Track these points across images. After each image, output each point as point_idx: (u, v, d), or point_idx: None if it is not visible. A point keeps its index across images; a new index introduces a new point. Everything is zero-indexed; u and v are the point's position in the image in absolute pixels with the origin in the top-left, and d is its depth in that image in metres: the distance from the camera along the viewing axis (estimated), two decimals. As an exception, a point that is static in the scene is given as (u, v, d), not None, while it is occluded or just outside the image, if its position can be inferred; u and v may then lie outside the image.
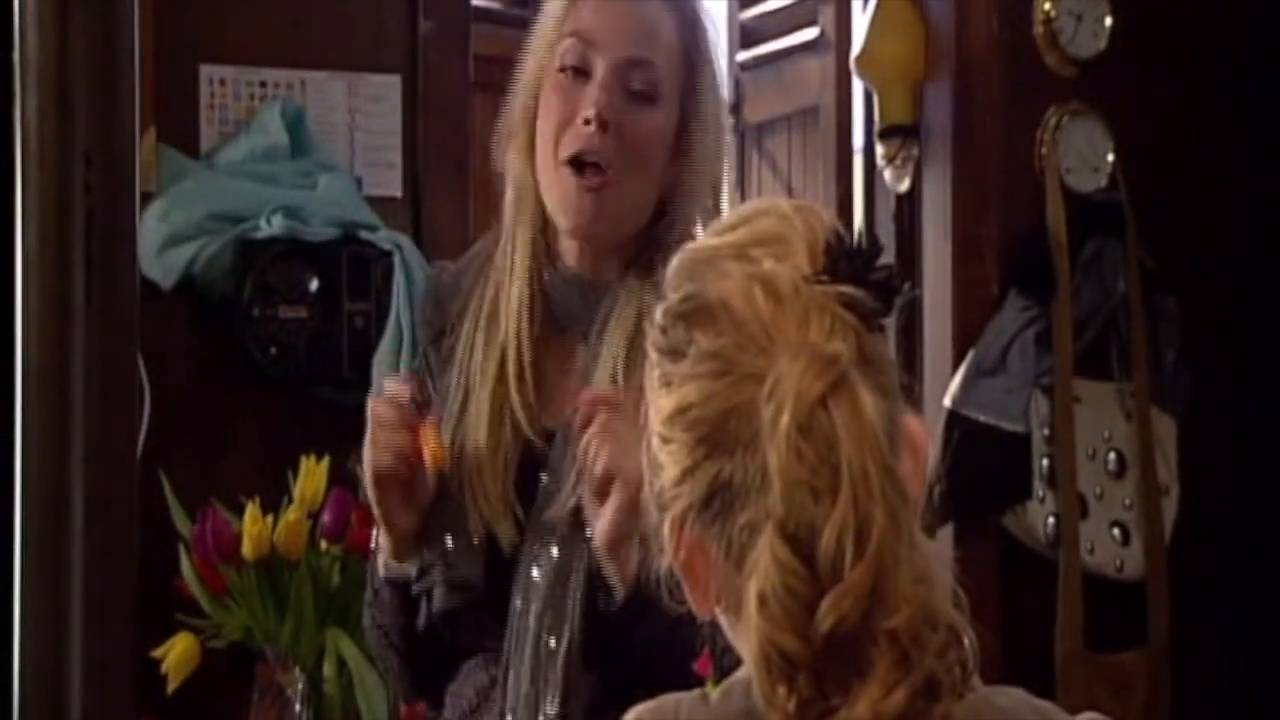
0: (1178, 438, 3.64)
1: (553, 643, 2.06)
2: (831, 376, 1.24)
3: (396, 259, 3.42)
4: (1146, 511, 3.57)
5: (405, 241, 3.46)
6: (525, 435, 2.14)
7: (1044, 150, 3.59)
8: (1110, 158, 3.61)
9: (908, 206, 3.72)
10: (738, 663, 1.32)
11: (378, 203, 3.53)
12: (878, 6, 3.66)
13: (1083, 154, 3.60)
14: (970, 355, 3.51)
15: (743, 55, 4.64)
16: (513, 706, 2.08)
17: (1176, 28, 3.70)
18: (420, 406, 2.13)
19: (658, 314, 1.34)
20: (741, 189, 4.52)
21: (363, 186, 3.54)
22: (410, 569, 2.14)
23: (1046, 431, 3.51)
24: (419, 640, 2.17)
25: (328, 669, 3.02)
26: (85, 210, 1.26)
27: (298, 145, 3.48)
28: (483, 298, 2.19)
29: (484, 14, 4.03)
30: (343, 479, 3.07)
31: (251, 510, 3.00)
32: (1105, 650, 3.54)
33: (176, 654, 3.04)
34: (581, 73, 2.15)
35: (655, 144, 2.16)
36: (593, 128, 2.12)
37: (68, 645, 1.26)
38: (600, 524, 2.02)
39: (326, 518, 3.03)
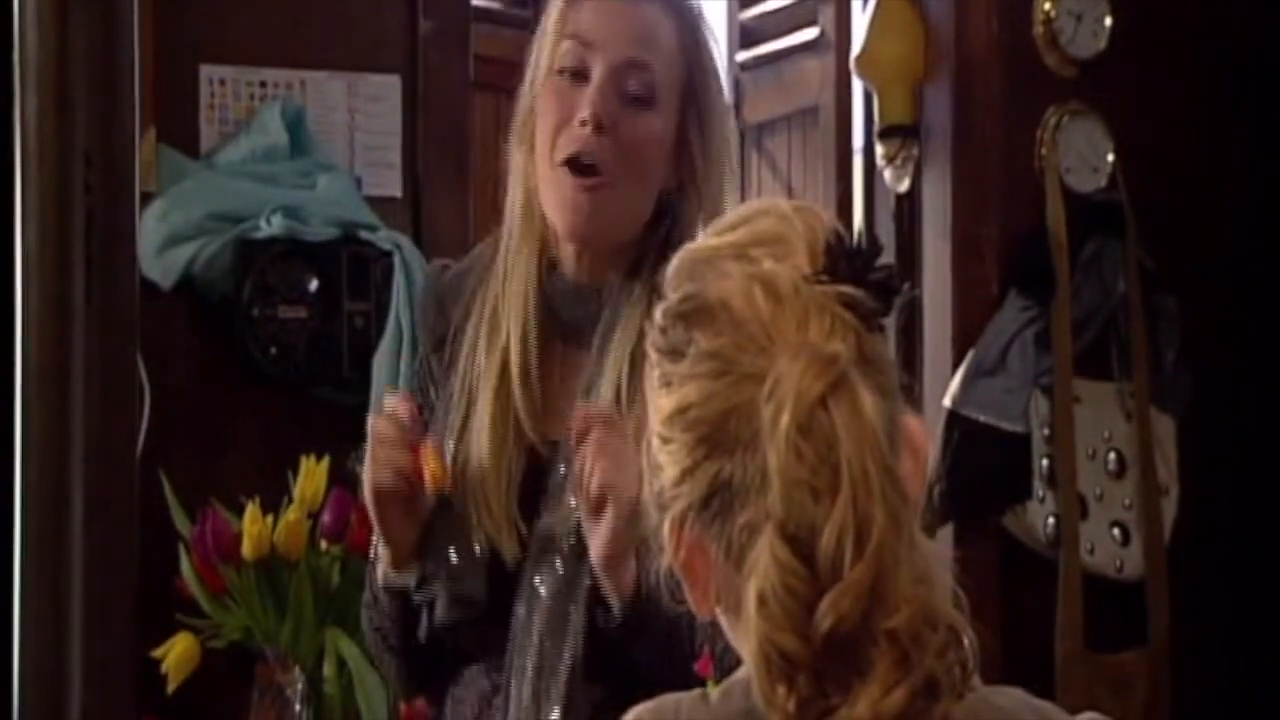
0: (1177, 438, 3.64)
1: (555, 655, 2.06)
2: (831, 376, 1.24)
3: (396, 259, 3.42)
4: (1146, 511, 3.57)
5: (405, 241, 3.46)
6: (528, 445, 2.13)
7: (1044, 150, 3.59)
8: (1110, 158, 3.61)
9: (907, 206, 3.72)
10: (738, 663, 1.32)
11: (377, 203, 3.53)
12: (877, 6, 3.66)
13: (1082, 154, 3.60)
14: (970, 355, 3.51)
15: (742, 55, 4.65)
16: (515, 717, 2.08)
17: (1176, 28, 3.70)
18: (420, 424, 2.12)
19: (657, 314, 1.34)
20: (741, 189, 4.52)
21: (362, 186, 3.54)
22: (409, 578, 2.14)
23: (1046, 431, 3.51)
24: (419, 646, 2.17)
25: (327, 669, 3.02)
26: (85, 210, 1.26)
27: (297, 145, 3.48)
28: (485, 303, 2.18)
29: (484, 14, 4.03)
30: (343, 479, 3.07)
31: (251, 510, 3.00)
32: (1105, 650, 3.54)
33: (176, 654, 3.04)
34: (579, 75, 2.14)
35: (652, 148, 2.14)
36: (589, 130, 2.11)
37: (67, 645, 1.26)
38: (596, 541, 2.01)
39: (326, 518, 3.02)
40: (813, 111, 4.35)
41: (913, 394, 1.38)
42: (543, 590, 2.08)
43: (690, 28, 2.18)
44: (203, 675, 3.07)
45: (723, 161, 2.19)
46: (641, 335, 2.06)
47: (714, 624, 1.36)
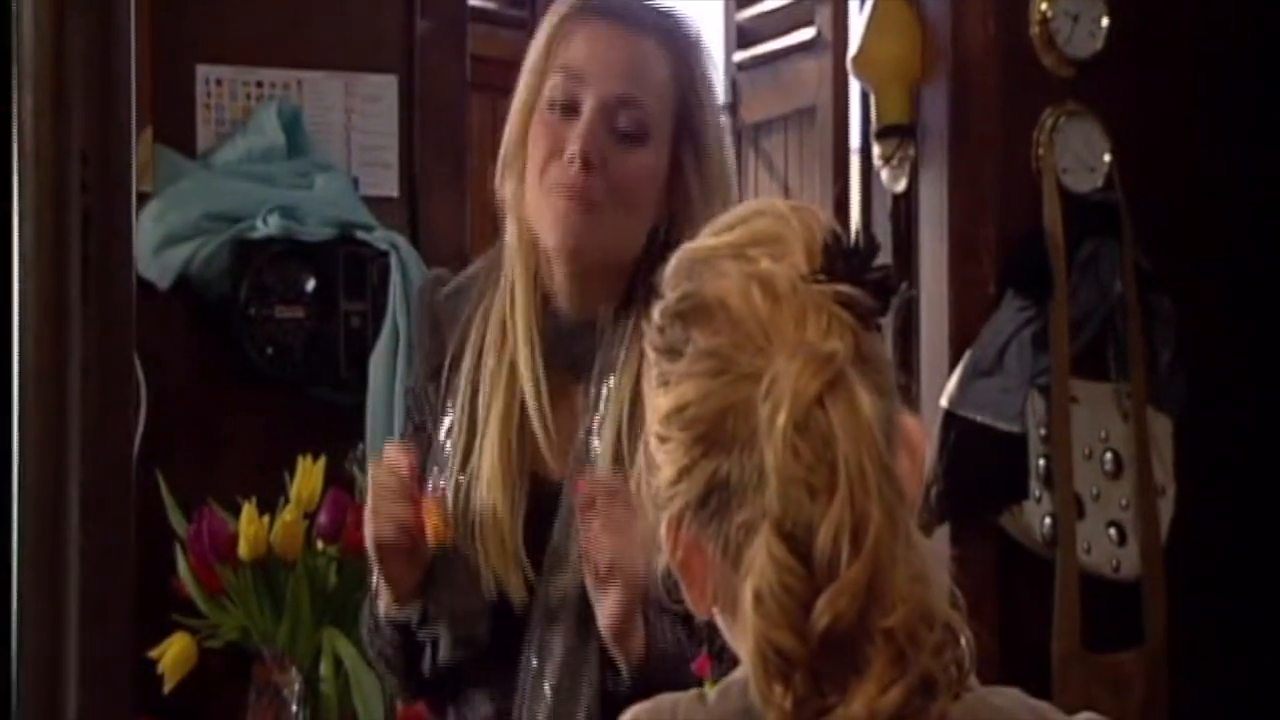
0: (1174, 438, 3.64)
1: (569, 717, 2.07)
2: (828, 375, 1.24)
3: (393, 259, 3.42)
4: (1143, 511, 3.57)
5: (402, 241, 3.46)
6: (531, 483, 2.13)
7: (1041, 150, 3.59)
8: (1107, 158, 3.61)
9: (904, 206, 3.72)
10: (736, 663, 1.32)
11: (374, 203, 3.53)
12: (874, 7, 3.66)
13: (1079, 154, 3.60)
14: (967, 355, 3.51)
15: (739, 55, 4.65)
16: None
17: (1173, 28, 3.70)
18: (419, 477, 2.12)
19: (655, 313, 1.34)
20: (739, 189, 4.52)
21: (359, 186, 3.54)
22: (411, 614, 2.15)
23: (1043, 431, 3.51)
24: (423, 675, 2.19)
25: (324, 669, 3.02)
26: (82, 210, 1.26)
27: (294, 145, 3.48)
28: (483, 330, 2.17)
29: (481, 14, 4.03)
30: (339, 479, 3.08)
31: (248, 510, 3.00)
32: (1102, 650, 3.54)
33: (173, 654, 3.04)
34: (569, 109, 2.10)
35: (644, 183, 2.11)
36: (576, 168, 2.08)
37: (64, 645, 1.26)
38: (604, 615, 2.02)
39: (323, 518, 3.02)
40: (810, 111, 4.35)
41: (910, 394, 1.38)
42: (555, 645, 2.09)
43: (683, 58, 2.14)
44: (199, 675, 3.07)
45: (720, 191, 2.15)
46: (639, 378, 2.06)
47: (712, 624, 1.36)
